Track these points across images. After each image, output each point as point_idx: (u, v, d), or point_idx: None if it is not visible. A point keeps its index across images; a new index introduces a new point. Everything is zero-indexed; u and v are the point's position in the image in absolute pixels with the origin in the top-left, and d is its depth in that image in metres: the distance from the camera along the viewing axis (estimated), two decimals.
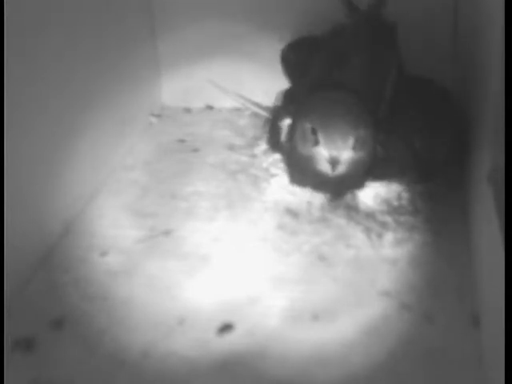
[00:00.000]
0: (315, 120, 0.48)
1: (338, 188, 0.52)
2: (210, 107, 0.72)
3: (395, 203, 0.52)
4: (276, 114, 0.55)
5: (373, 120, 0.49)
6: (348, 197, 0.53)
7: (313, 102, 0.50)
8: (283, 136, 0.53)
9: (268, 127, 0.56)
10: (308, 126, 0.48)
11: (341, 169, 0.47)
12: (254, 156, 0.61)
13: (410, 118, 0.51)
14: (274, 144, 0.55)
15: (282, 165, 0.56)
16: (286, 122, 0.53)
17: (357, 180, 0.51)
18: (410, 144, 0.50)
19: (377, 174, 0.51)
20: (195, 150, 0.63)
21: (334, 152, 0.47)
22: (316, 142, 0.48)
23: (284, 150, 0.54)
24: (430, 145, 0.51)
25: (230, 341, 0.41)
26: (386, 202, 0.52)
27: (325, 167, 0.48)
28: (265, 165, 0.58)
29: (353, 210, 0.52)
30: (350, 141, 0.47)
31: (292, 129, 0.52)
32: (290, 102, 0.54)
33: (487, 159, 0.41)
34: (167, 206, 0.54)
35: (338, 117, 0.47)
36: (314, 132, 0.48)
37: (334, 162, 0.47)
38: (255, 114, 0.68)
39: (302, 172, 0.52)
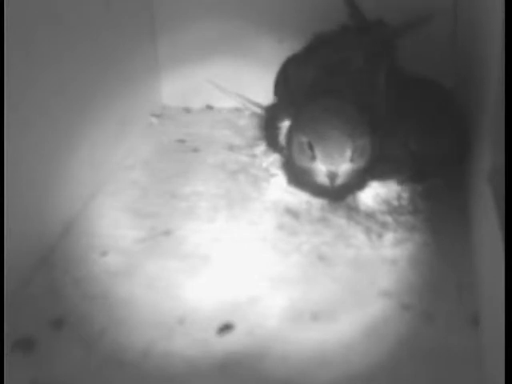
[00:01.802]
0: (311, 134, 0.47)
1: (338, 195, 0.52)
2: (209, 107, 0.72)
3: (395, 203, 0.52)
4: (274, 114, 0.55)
5: (369, 124, 0.48)
6: (348, 197, 0.53)
7: (307, 114, 0.49)
8: (282, 138, 0.53)
9: (266, 127, 0.56)
10: (304, 139, 0.48)
11: (339, 181, 0.47)
12: (253, 156, 0.61)
13: (409, 119, 0.50)
14: (273, 144, 0.55)
15: (281, 164, 0.56)
16: (285, 124, 0.52)
17: (356, 185, 0.51)
18: (407, 144, 0.50)
19: (374, 173, 0.51)
20: (195, 150, 0.63)
21: (332, 167, 0.47)
22: (313, 157, 0.47)
23: (283, 153, 0.54)
24: (427, 145, 0.51)
25: (230, 341, 0.41)
26: (386, 202, 0.52)
27: (323, 180, 0.48)
28: (265, 165, 0.58)
29: (353, 210, 0.52)
30: (348, 153, 0.47)
31: (289, 137, 0.51)
32: (290, 104, 0.53)
33: (487, 159, 0.41)
34: (167, 205, 0.54)
35: (333, 129, 0.47)
36: (310, 146, 0.47)
37: (332, 177, 0.47)
38: (255, 114, 0.68)
39: (300, 181, 0.52)
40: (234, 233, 0.51)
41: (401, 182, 0.52)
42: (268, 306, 0.43)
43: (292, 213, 0.52)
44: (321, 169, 0.47)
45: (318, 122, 0.48)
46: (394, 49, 0.56)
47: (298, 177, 0.52)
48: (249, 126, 0.66)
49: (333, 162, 0.47)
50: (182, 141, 0.65)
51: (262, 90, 0.59)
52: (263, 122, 0.58)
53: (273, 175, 0.57)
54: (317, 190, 0.51)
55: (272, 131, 0.54)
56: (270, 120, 0.55)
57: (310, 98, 0.51)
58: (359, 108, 0.49)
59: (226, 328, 0.42)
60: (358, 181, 0.50)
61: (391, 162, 0.51)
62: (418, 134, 0.50)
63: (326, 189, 0.49)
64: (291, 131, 0.51)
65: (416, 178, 0.52)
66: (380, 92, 0.51)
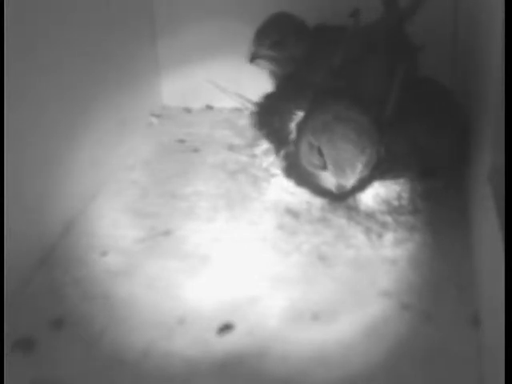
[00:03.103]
0: (324, 142, 0.46)
1: (339, 196, 0.51)
2: (209, 107, 0.72)
3: (395, 203, 0.52)
4: (285, 99, 0.54)
5: (378, 126, 0.48)
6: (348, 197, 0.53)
7: (320, 119, 0.48)
8: (290, 127, 0.51)
9: (271, 112, 0.55)
10: (316, 144, 0.47)
11: (346, 189, 0.47)
12: (253, 156, 0.61)
13: (414, 117, 0.50)
14: (277, 132, 0.53)
15: (283, 156, 0.54)
16: (297, 118, 0.51)
17: (359, 187, 0.50)
18: (414, 140, 0.50)
19: (381, 171, 0.50)
20: (195, 150, 0.63)
21: (343, 180, 0.46)
22: (323, 166, 0.47)
23: (288, 151, 0.53)
24: (434, 140, 0.50)
25: (230, 341, 0.41)
26: (386, 202, 0.52)
27: (330, 186, 0.47)
28: (265, 165, 0.58)
29: (353, 210, 0.52)
30: (359, 168, 0.46)
31: (298, 134, 0.50)
32: (300, 96, 0.52)
33: (487, 159, 0.41)
34: (167, 205, 0.54)
35: (347, 143, 0.46)
36: (321, 153, 0.46)
37: (340, 188, 0.46)
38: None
39: (302, 178, 0.51)
40: (233, 233, 0.51)
41: (408, 180, 0.52)
42: (268, 306, 0.43)
43: (292, 213, 0.52)
44: (330, 178, 0.47)
45: (331, 130, 0.47)
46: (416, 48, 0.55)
47: (301, 175, 0.51)
48: (249, 126, 0.66)
49: (344, 176, 0.46)
50: (181, 141, 0.65)
51: (261, 90, 0.59)
52: (267, 105, 0.57)
53: (273, 175, 0.57)
54: (318, 189, 0.51)
55: (279, 117, 0.53)
56: (278, 104, 0.55)
57: (321, 96, 0.50)
58: (368, 105, 0.48)
59: (226, 328, 0.42)
60: (361, 183, 0.50)
61: (398, 160, 0.50)
62: (425, 131, 0.50)
63: (328, 190, 0.49)
64: (301, 129, 0.50)
65: (422, 176, 0.52)
66: (395, 90, 0.50)
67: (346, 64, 0.53)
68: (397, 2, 0.57)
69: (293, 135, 0.51)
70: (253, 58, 0.59)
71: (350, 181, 0.46)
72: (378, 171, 0.50)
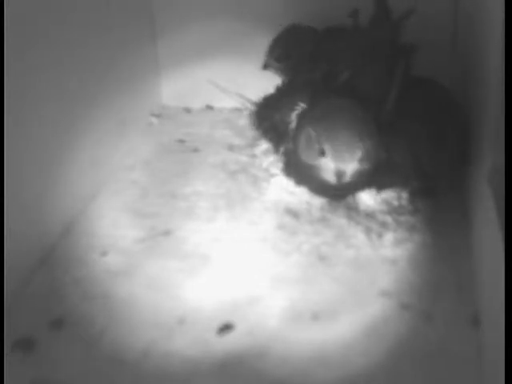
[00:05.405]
0: (322, 130, 0.47)
1: (339, 193, 0.51)
2: (209, 107, 0.72)
3: (395, 203, 0.52)
4: (283, 103, 0.54)
5: (377, 126, 0.48)
6: (348, 197, 0.53)
7: (318, 110, 0.48)
8: (293, 124, 0.51)
9: (271, 115, 0.55)
10: (314, 134, 0.47)
11: (346, 179, 0.47)
12: (253, 156, 0.61)
13: (414, 117, 0.50)
14: (280, 136, 0.53)
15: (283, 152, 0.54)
16: (298, 109, 0.51)
17: (359, 185, 0.50)
18: (415, 154, 0.50)
19: (380, 183, 0.51)
20: (195, 150, 0.63)
21: (341, 165, 0.46)
22: (322, 153, 0.47)
23: (287, 147, 0.53)
24: (435, 152, 0.50)
25: (230, 341, 0.41)
26: (386, 202, 0.52)
27: (329, 177, 0.47)
28: (265, 165, 0.58)
29: (353, 210, 0.52)
30: (357, 153, 0.46)
31: (297, 129, 0.51)
32: (301, 94, 0.52)
33: (487, 159, 0.42)
34: (167, 205, 0.54)
35: (345, 128, 0.46)
36: (319, 142, 0.47)
37: (340, 175, 0.46)
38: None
39: (301, 176, 0.51)
40: (233, 233, 0.51)
41: (407, 193, 0.52)
42: (268, 306, 0.43)
43: (292, 213, 0.52)
44: (329, 166, 0.47)
45: (330, 119, 0.47)
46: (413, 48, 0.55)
47: (300, 171, 0.51)
48: (249, 126, 0.66)
49: (342, 160, 0.46)
50: (181, 141, 0.65)
51: (261, 89, 0.59)
52: (266, 103, 0.57)
53: (273, 175, 0.57)
54: (318, 186, 0.50)
55: (279, 111, 0.53)
56: (278, 101, 0.55)
57: (321, 92, 0.50)
58: (367, 105, 0.48)
59: (225, 328, 0.42)
60: (361, 182, 0.50)
61: (398, 171, 0.50)
62: (425, 142, 0.50)
63: (327, 186, 0.48)
64: (299, 125, 0.50)
65: (422, 191, 0.52)
66: (395, 89, 0.50)
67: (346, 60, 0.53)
68: (386, 1, 0.57)
69: (293, 125, 0.51)
70: (264, 67, 0.64)
71: (348, 166, 0.46)
72: (376, 184, 0.50)
